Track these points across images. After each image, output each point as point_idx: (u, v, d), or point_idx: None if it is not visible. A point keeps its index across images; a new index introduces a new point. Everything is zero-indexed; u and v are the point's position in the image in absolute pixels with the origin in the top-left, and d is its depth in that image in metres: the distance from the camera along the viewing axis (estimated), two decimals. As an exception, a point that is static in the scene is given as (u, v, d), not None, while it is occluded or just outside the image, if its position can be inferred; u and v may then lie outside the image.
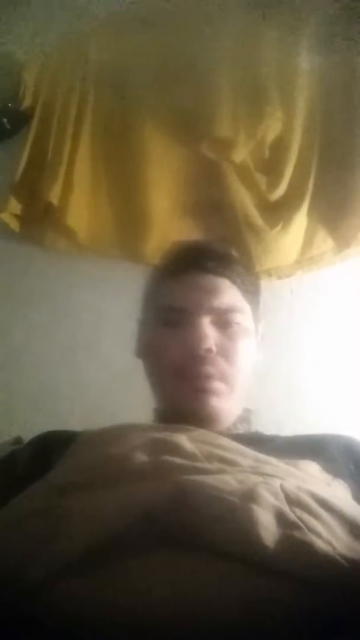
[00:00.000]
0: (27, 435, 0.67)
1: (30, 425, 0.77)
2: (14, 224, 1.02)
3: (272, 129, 1.03)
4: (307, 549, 0.35)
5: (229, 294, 0.63)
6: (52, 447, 0.57)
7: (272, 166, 1.03)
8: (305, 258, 1.01)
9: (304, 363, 1.02)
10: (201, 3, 1.08)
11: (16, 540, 0.39)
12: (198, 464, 0.46)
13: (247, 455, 0.49)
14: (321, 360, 1.02)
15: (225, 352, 0.60)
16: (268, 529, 0.36)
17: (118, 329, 0.94)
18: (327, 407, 0.98)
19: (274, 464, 0.48)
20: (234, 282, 0.64)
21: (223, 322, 0.61)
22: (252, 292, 0.67)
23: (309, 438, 0.60)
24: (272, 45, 1.08)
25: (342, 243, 1.01)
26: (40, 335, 1.01)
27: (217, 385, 0.59)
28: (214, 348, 0.59)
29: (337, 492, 0.49)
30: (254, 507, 0.38)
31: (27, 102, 1.06)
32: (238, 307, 0.63)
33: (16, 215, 1.01)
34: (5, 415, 0.94)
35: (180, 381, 0.60)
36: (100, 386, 0.97)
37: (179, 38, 1.08)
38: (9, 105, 1.06)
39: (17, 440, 0.90)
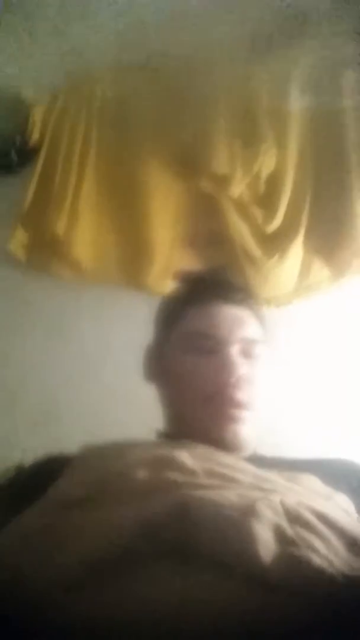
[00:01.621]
0: (29, 461, 0.68)
1: (34, 451, 0.78)
2: (21, 254, 1.05)
3: (267, 164, 1.08)
4: (303, 565, 0.36)
5: (253, 325, 0.65)
6: (52, 470, 0.57)
7: (267, 200, 1.07)
8: (302, 287, 1.05)
9: (303, 390, 1.04)
10: (200, 48, 1.15)
11: (20, 556, 0.40)
12: (198, 480, 0.46)
13: (247, 472, 0.50)
14: (320, 387, 1.04)
15: (250, 381, 0.62)
16: (266, 545, 0.37)
17: (121, 356, 0.97)
18: (329, 431, 1.00)
19: (274, 480, 0.49)
20: (254, 314, 0.67)
21: (248, 352, 0.63)
22: (263, 325, 0.69)
23: (310, 460, 0.62)
24: (266, 87, 1.14)
25: (337, 272, 1.05)
26: (45, 362, 1.03)
27: (245, 413, 0.60)
28: (244, 376, 0.61)
29: (339, 506, 0.50)
30: (254, 522, 0.38)
31: (34, 138, 1.10)
32: (259, 338, 0.65)
33: (23, 246, 1.05)
34: (8, 441, 0.95)
35: (210, 408, 0.60)
36: (103, 412, 0.99)
37: (179, 79, 1.14)
38: (18, 140, 1.11)
39: (19, 467, 0.91)
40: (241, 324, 0.64)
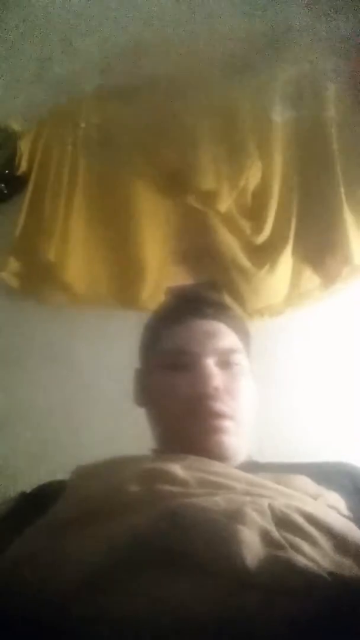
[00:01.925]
0: (30, 489, 0.68)
1: (35, 480, 0.78)
2: (14, 282, 1.06)
3: (253, 178, 1.09)
4: (289, 567, 0.36)
5: (228, 337, 0.66)
6: (53, 495, 0.57)
7: (255, 212, 1.08)
8: (294, 296, 1.05)
9: (297, 398, 1.03)
10: (181, 68, 1.18)
11: (15, 582, 0.41)
12: (190, 491, 0.47)
13: (240, 479, 0.50)
14: (315, 395, 1.03)
15: (230, 391, 0.62)
16: (252, 549, 0.37)
17: (117, 377, 0.96)
18: (327, 438, 0.99)
19: (265, 485, 0.49)
20: (229, 326, 0.67)
21: (225, 362, 0.64)
22: (244, 335, 0.70)
23: (302, 464, 0.62)
24: (248, 103, 1.16)
25: (327, 280, 1.05)
26: (40, 388, 1.03)
27: (226, 423, 0.60)
28: (221, 386, 0.61)
29: (329, 504, 0.50)
30: (240, 527, 0.39)
31: (22, 168, 1.13)
32: (237, 349, 0.66)
33: (15, 274, 1.06)
34: (8, 471, 0.94)
35: (191, 421, 0.61)
36: (101, 435, 0.98)
37: (162, 100, 1.16)
38: (6, 171, 1.14)
39: (22, 495, 0.90)
40: (214, 337, 0.65)
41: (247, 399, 0.64)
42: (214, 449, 0.59)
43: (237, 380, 0.64)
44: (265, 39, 1.18)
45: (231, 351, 0.65)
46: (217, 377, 0.61)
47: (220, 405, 0.60)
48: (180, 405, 0.62)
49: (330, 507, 0.50)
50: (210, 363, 0.62)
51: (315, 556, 0.37)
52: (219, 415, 0.60)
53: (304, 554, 0.37)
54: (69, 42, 1.18)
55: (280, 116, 1.18)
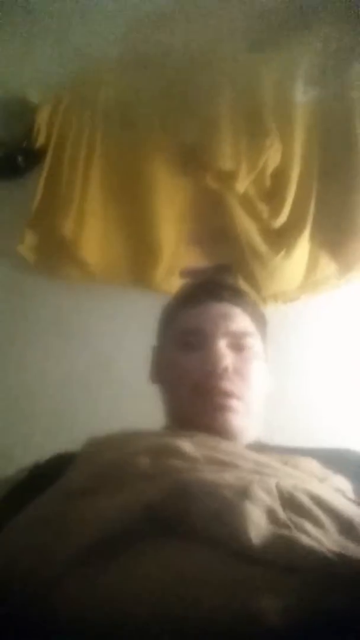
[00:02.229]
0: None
1: (48, 452, 0.80)
2: (30, 256, 1.07)
3: (272, 159, 1.07)
4: (293, 545, 0.37)
5: (242, 320, 0.67)
6: (61, 466, 0.59)
7: (273, 195, 1.07)
8: (310, 282, 1.05)
9: (311, 385, 1.04)
10: (203, 43, 1.15)
11: (27, 543, 0.42)
12: (199, 467, 0.48)
13: (247, 459, 0.51)
14: (329, 382, 1.04)
15: (241, 373, 0.63)
16: (258, 526, 0.38)
17: (131, 354, 0.98)
18: (339, 427, 1.00)
19: (273, 465, 0.50)
20: (245, 310, 0.68)
21: (238, 345, 0.65)
22: (259, 320, 0.71)
23: (310, 449, 0.63)
24: (270, 81, 1.13)
25: (344, 267, 1.04)
26: (55, 363, 1.05)
27: (234, 403, 0.61)
28: (230, 367, 0.62)
29: (335, 487, 0.50)
30: (247, 503, 0.40)
31: (40, 141, 1.11)
32: (250, 332, 0.67)
33: (32, 248, 1.06)
34: (22, 443, 0.97)
35: (199, 398, 0.62)
36: (115, 411, 1.00)
37: (183, 76, 1.14)
38: (24, 144, 1.12)
39: (36, 465, 0.93)
40: (228, 319, 0.66)
41: (257, 381, 0.65)
42: (220, 427, 0.60)
43: (248, 363, 0.64)
44: (289, 14, 1.14)
45: (244, 334, 0.66)
46: (227, 357, 0.62)
47: (228, 385, 0.61)
48: (189, 383, 0.63)
49: (336, 490, 0.51)
50: (222, 344, 0.63)
51: (320, 537, 0.38)
52: (227, 394, 0.61)
53: (308, 535, 0.38)
54: (88, 10, 1.15)
55: (303, 95, 1.15)
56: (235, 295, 0.69)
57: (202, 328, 0.65)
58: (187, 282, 0.74)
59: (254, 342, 0.66)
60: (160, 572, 0.37)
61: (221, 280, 0.72)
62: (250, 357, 0.65)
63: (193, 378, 0.62)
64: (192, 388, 0.62)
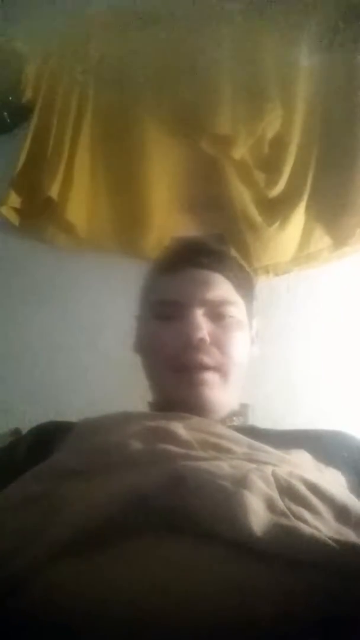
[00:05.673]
0: (26, 427, 0.68)
1: (29, 418, 0.78)
2: (14, 218, 1.02)
3: (271, 126, 1.03)
4: (293, 534, 0.36)
5: (222, 288, 0.64)
6: (51, 436, 0.58)
7: (271, 163, 1.03)
8: (303, 255, 1.02)
9: (300, 359, 1.02)
10: (202, 2, 1.08)
11: (12, 524, 0.40)
12: (192, 452, 0.47)
13: (241, 443, 0.50)
14: (318, 356, 1.02)
15: (219, 343, 0.61)
16: (258, 515, 0.37)
17: (117, 324, 0.95)
18: (323, 403, 0.99)
19: (268, 451, 0.49)
20: (227, 277, 0.65)
21: (216, 314, 0.62)
22: (245, 287, 0.67)
23: (303, 432, 0.61)
24: (273, 43, 1.08)
25: (339, 241, 1.01)
26: (39, 329, 1.02)
27: (211, 376, 0.60)
28: (207, 338, 0.60)
29: (329, 479, 0.50)
30: (246, 492, 0.39)
31: (27, 96, 1.06)
32: (231, 300, 0.64)
33: (16, 209, 1.02)
34: (3, 409, 0.95)
35: (175, 372, 0.60)
36: (99, 380, 0.98)
37: (180, 35, 1.08)
38: (10, 98, 1.06)
39: (16, 432, 0.92)
40: (205, 287, 0.63)
41: (238, 352, 0.62)
42: (196, 402, 0.59)
43: (227, 333, 0.62)
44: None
45: (223, 302, 0.63)
46: (203, 328, 0.60)
47: (204, 357, 0.59)
48: (165, 356, 0.61)
49: (331, 480, 0.50)
50: (198, 313, 0.61)
51: (319, 525, 0.37)
52: (203, 367, 0.59)
53: (307, 523, 0.37)
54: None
55: (307, 59, 1.10)
56: (216, 261, 0.65)
57: (176, 298, 0.62)
58: (167, 248, 0.70)
59: (235, 311, 0.63)
60: (156, 564, 0.35)
61: (202, 245, 0.68)
62: (231, 326, 0.62)
63: (168, 352, 0.61)
64: (168, 362, 0.61)
